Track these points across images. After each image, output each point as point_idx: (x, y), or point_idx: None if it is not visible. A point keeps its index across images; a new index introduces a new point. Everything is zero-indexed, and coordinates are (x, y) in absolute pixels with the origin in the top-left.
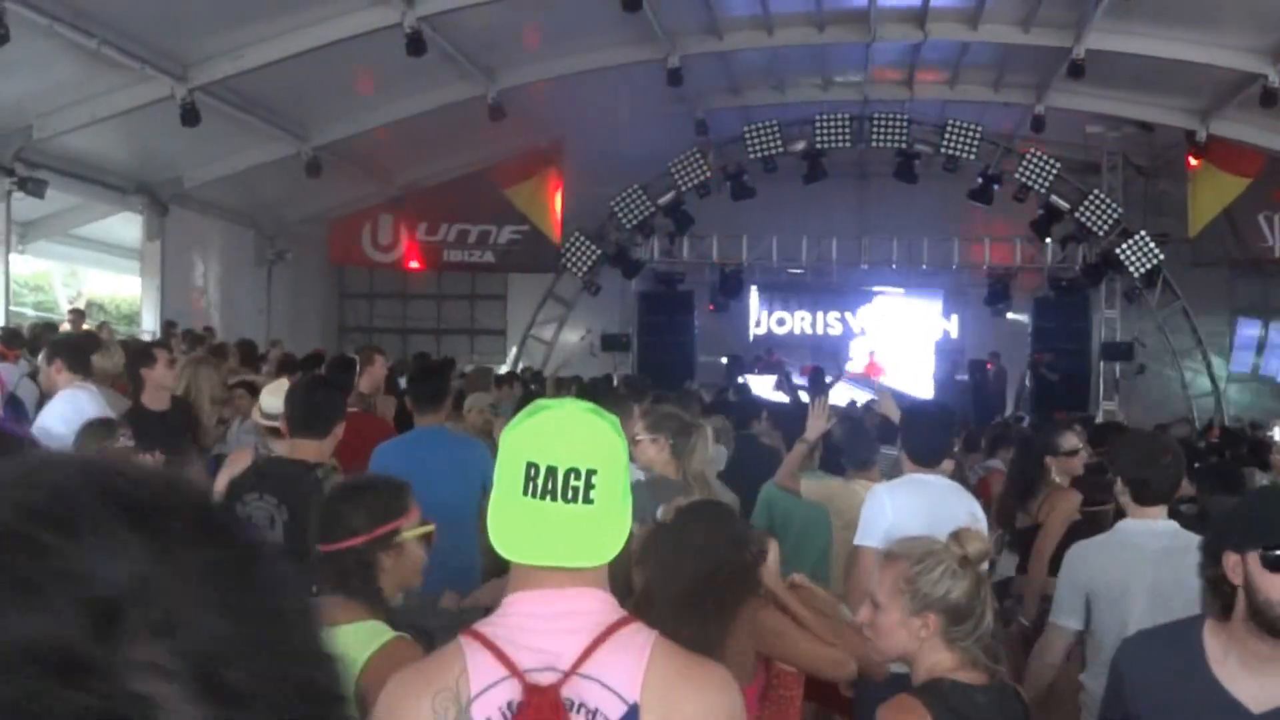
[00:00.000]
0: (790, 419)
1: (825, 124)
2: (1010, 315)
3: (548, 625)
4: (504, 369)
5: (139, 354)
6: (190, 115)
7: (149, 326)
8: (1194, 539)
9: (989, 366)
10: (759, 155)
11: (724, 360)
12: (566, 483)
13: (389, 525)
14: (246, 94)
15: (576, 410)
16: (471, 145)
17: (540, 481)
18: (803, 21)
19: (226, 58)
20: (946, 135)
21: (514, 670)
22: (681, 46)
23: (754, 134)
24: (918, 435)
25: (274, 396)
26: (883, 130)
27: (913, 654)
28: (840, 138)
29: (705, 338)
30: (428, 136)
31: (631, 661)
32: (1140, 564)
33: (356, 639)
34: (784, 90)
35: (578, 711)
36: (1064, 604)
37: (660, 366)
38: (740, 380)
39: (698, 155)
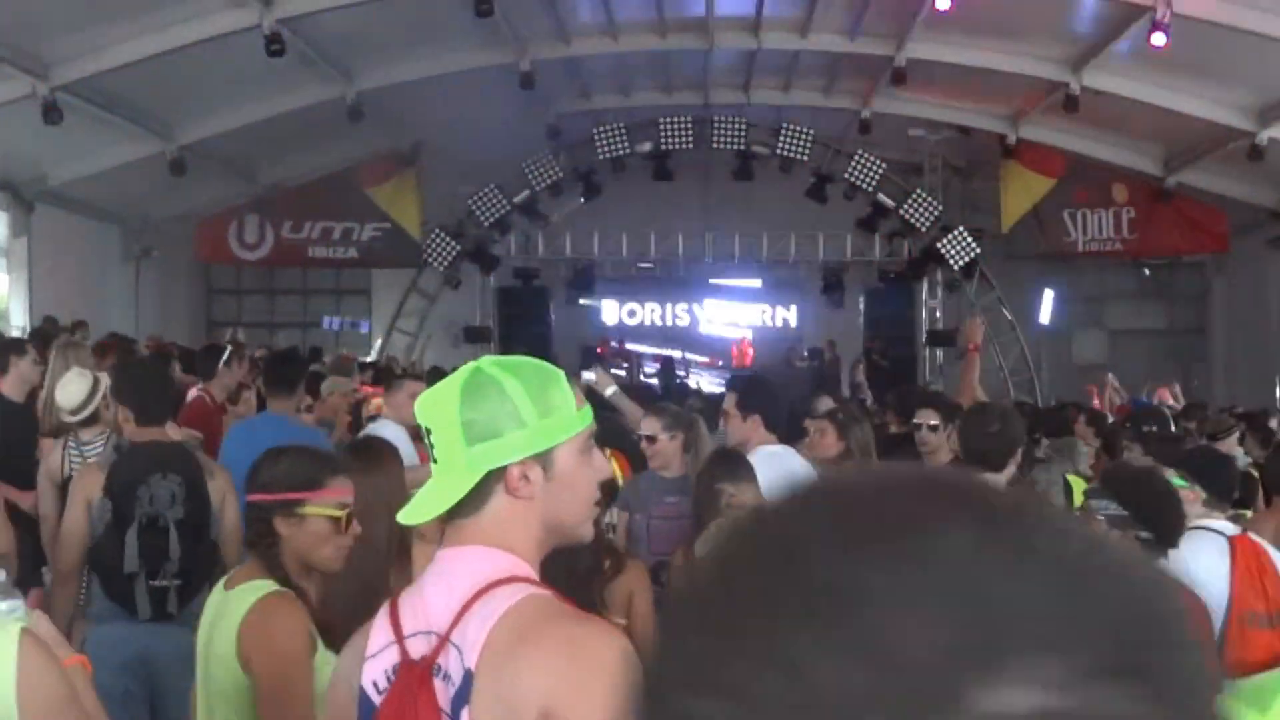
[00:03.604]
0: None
1: (669, 126)
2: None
3: (431, 587)
4: (369, 359)
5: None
6: (52, 114)
7: (18, 322)
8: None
9: (825, 354)
10: (608, 156)
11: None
12: (428, 442)
13: (290, 494)
14: (109, 93)
15: (458, 371)
16: (333, 145)
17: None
18: (646, 29)
19: (87, 57)
20: (781, 138)
21: (399, 636)
22: (532, 51)
23: (603, 136)
24: (770, 407)
25: (72, 389)
26: (723, 133)
27: None
28: (683, 139)
29: (561, 329)
30: (291, 136)
31: (485, 622)
32: None
33: (241, 596)
34: (630, 94)
35: (443, 678)
36: None
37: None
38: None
39: (550, 156)
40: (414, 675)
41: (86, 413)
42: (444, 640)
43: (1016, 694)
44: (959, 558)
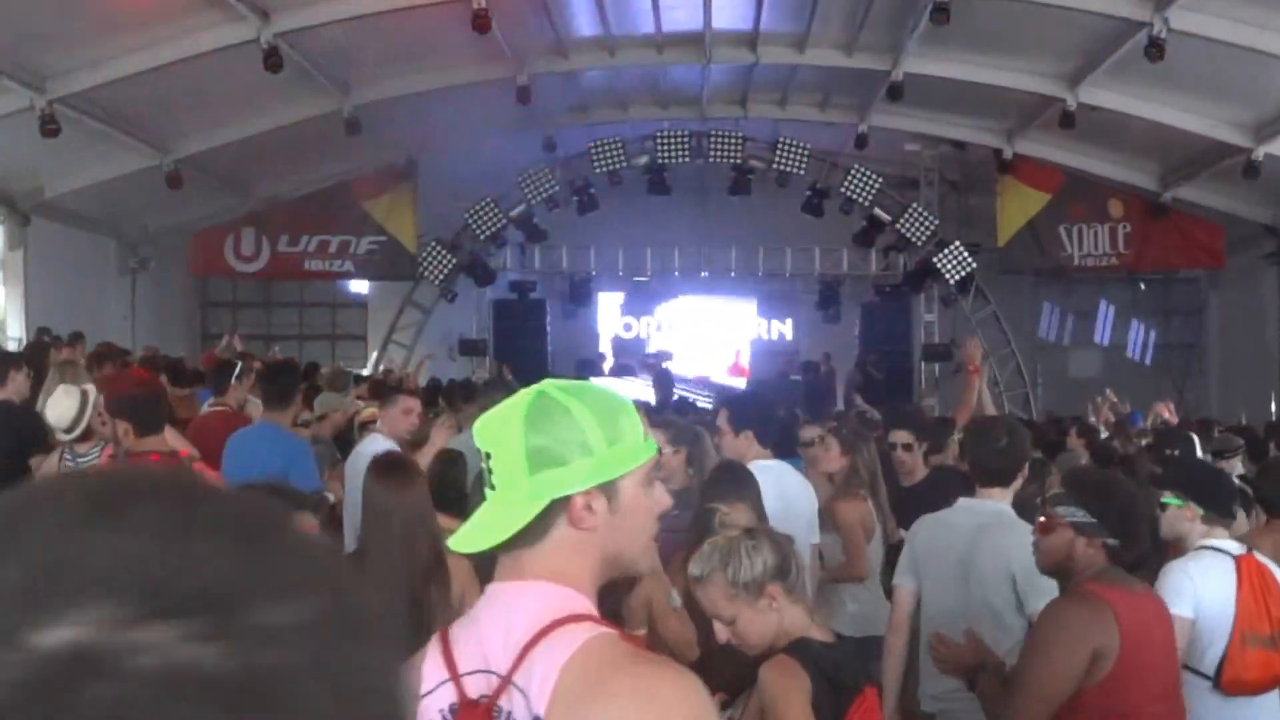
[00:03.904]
0: None
1: (666, 140)
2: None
3: (489, 622)
4: (365, 372)
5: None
6: (49, 127)
7: (14, 334)
8: (1016, 521)
9: (820, 367)
10: (604, 170)
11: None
12: (485, 466)
13: None
14: (107, 106)
15: (521, 393)
16: (330, 159)
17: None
18: (643, 44)
19: (85, 70)
20: (778, 152)
21: (454, 674)
22: (529, 66)
23: (599, 150)
24: (762, 423)
25: (62, 408)
26: (719, 147)
27: (778, 626)
28: (680, 154)
29: (557, 343)
30: (287, 150)
31: (551, 666)
32: (951, 537)
33: None
34: (626, 109)
35: None
36: (901, 566)
37: (516, 370)
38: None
39: (546, 170)
40: (475, 717)
41: (79, 430)
42: (506, 682)
43: (65, 631)
44: (60, 525)
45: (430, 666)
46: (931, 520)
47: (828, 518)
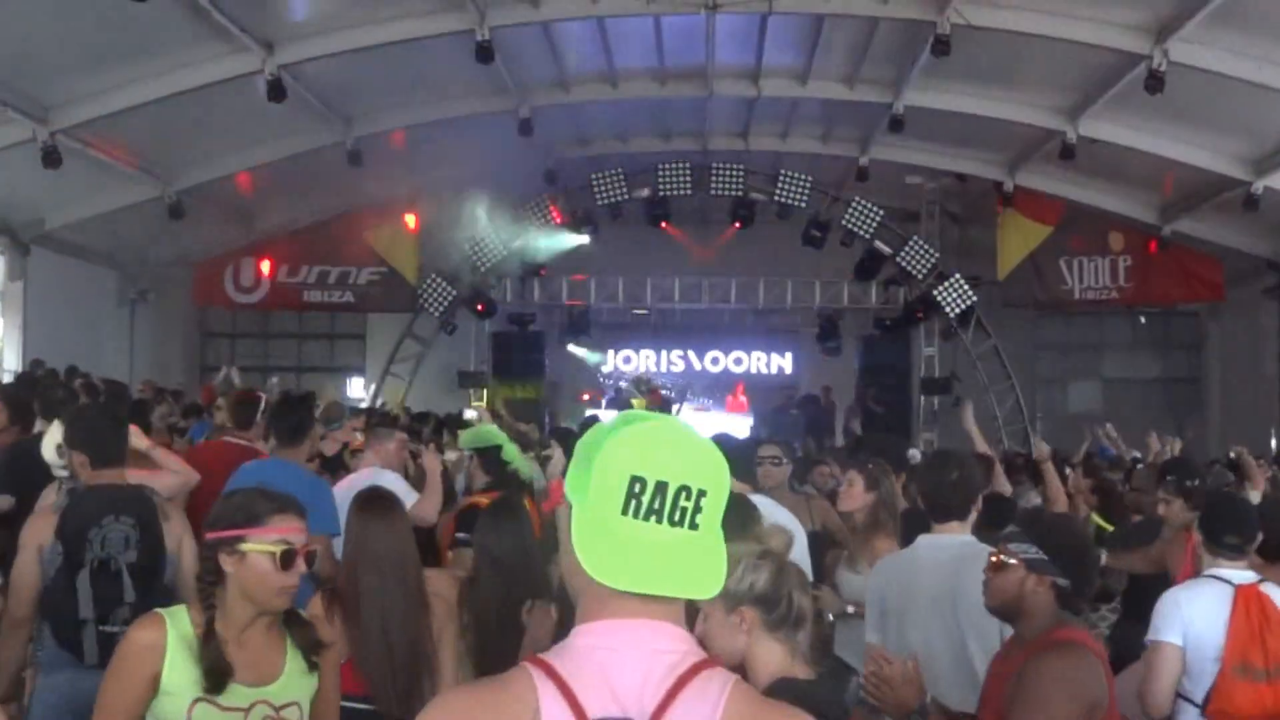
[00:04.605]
0: None
1: (667, 172)
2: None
3: (623, 663)
4: (364, 404)
5: None
6: (52, 158)
7: (11, 365)
8: (984, 550)
9: (820, 400)
10: (605, 202)
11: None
12: (675, 502)
13: (231, 530)
14: (109, 137)
15: (681, 424)
16: (332, 190)
17: (646, 500)
18: (645, 76)
19: (88, 101)
20: (779, 184)
21: (582, 717)
22: (531, 98)
23: (600, 181)
24: (739, 455)
25: (56, 444)
26: (721, 179)
27: (745, 651)
28: (681, 185)
29: (555, 375)
30: (289, 181)
31: (708, 709)
32: (922, 576)
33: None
34: (628, 141)
35: None
36: (869, 620)
37: (513, 402)
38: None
39: (547, 201)
40: None
41: (68, 471)
42: None
43: None
44: None
45: (552, 706)
46: (892, 561)
47: (859, 554)
